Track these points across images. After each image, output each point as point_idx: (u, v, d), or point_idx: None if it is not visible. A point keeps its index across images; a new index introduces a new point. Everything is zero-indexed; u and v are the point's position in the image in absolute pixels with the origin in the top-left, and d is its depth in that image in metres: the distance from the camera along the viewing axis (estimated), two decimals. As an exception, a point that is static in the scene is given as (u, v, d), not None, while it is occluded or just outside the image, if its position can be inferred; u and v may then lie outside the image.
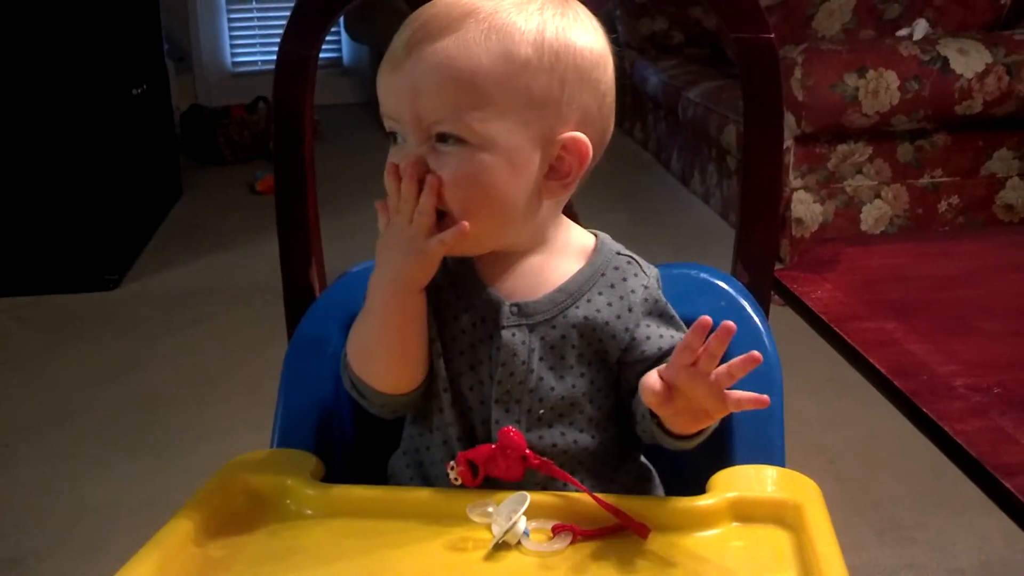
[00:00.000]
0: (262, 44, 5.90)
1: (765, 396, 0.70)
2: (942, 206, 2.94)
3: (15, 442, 2.21)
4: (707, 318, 0.69)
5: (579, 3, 0.82)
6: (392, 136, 0.80)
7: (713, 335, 0.69)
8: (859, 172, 2.89)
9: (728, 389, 0.71)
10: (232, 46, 5.90)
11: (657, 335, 0.83)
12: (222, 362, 2.59)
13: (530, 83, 0.77)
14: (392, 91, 0.79)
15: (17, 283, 3.06)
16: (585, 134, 0.80)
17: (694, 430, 0.77)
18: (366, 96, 5.42)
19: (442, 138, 0.77)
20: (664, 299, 0.85)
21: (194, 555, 0.71)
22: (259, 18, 5.90)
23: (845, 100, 2.73)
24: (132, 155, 3.41)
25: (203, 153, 4.68)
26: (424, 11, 0.78)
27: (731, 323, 0.69)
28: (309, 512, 0.78)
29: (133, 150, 3.43)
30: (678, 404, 0.73)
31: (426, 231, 0.77)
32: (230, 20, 5.88)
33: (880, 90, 2.73)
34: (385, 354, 0.82)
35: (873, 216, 2.92)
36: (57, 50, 2.96)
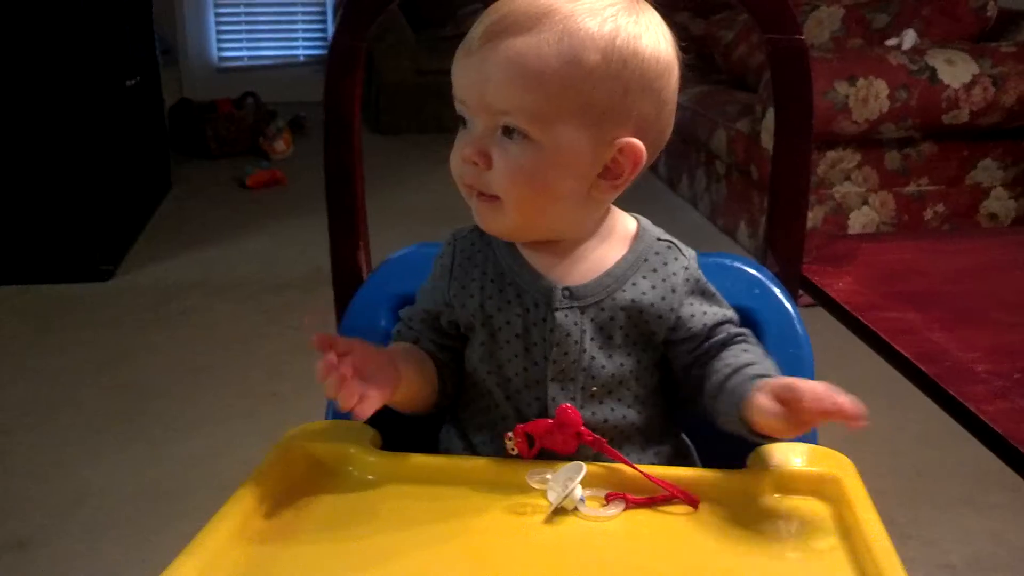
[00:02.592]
0: (248, 39, 5.91)
1: None
2: (927, 214, 3.01)
3: (12, 429, 2.23)
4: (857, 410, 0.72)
5: (652, 10, 0.84)
6: (461, 120, 0.84)
7: (823, 411, 0.72)
8: (847, 179, 2.96)
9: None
10: (219, 41, 5.92)
11: (701, 312, 0.88)
12: (213, 354, 2.62)
13: (594, 89, 0.80)
14: (464, 76, 0.82)
15: (13, 272, 3.08)
16: (642, 139, 0.83)
17: (772, 436, 0.80)
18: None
19: (506, 131, 0.81)
20: (704, 278, 0.90)
21: (269, 515, 0.75)
22: (246, 13, 5.91)
23: (835, 107, 2.80)
24: (126, 146, 3.43)
25: (190, 147, 4.69)
26: (505, 3, 0.81)
27: (863, 420, 0.71)
28: (371, 478, 0.81)
29: (127, 141, 3.45)
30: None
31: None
32: (217, 15, 5.89)
33: (870, 98, 2.80)
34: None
35: (860, 222, 2.98)
36: (54, 40, 2.97)
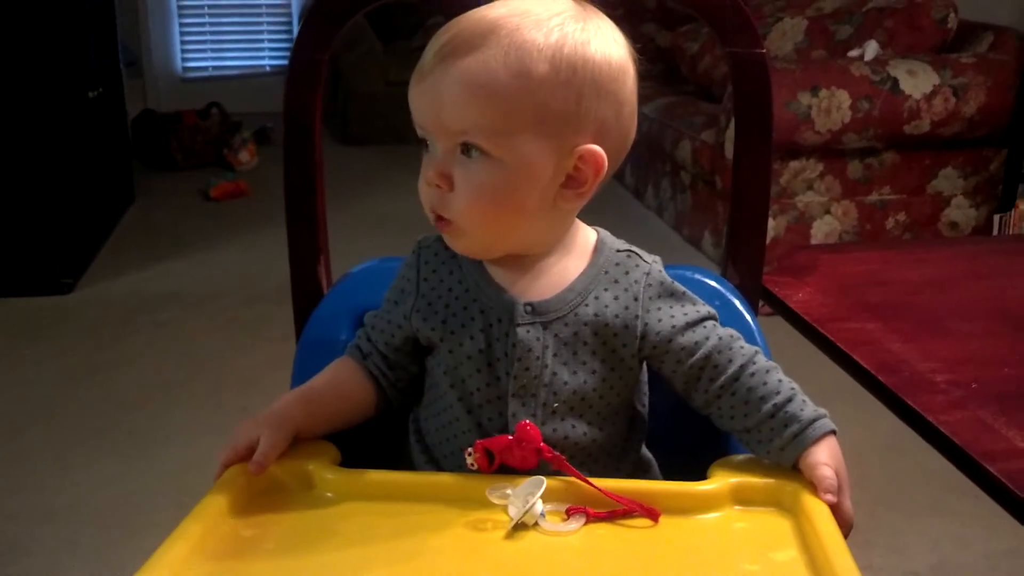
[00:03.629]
0: (213, 50, 5.88)
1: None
2: (889, 223, 3.03)
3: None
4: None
5: (602, 16, 0.84)
6: (424, 143, 0.84)
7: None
8: (810, 188, 2.98)
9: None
10: (183, 52, 5.88)
11: (669, 316, 0.87)
12: (182, 367, 2.60)
13: (547, 99, 0.80)
14: (419, 100, 0.83)
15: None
16: (603, 144, 0.83)
17: None
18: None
19: (465, 150, 0.81)
20: (670, 279, 0.89)
21: (227, 533, 0.74)
22: (211, 23, 5.87)
23: (798, 118, 2.82)
24: (87, 158, 3.39)
25: (154, 158, 4.65)
26: (453, 24, 0.82)
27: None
28: (330, 495, 0.80)
29: (88, 153, 3.41)
30: None
31: None
32: (182, 24, 5.85)
33: (832, 109, 2.82)
34: None
35: (823, 231, 3.00)
36: (14, 50, 2.94)
